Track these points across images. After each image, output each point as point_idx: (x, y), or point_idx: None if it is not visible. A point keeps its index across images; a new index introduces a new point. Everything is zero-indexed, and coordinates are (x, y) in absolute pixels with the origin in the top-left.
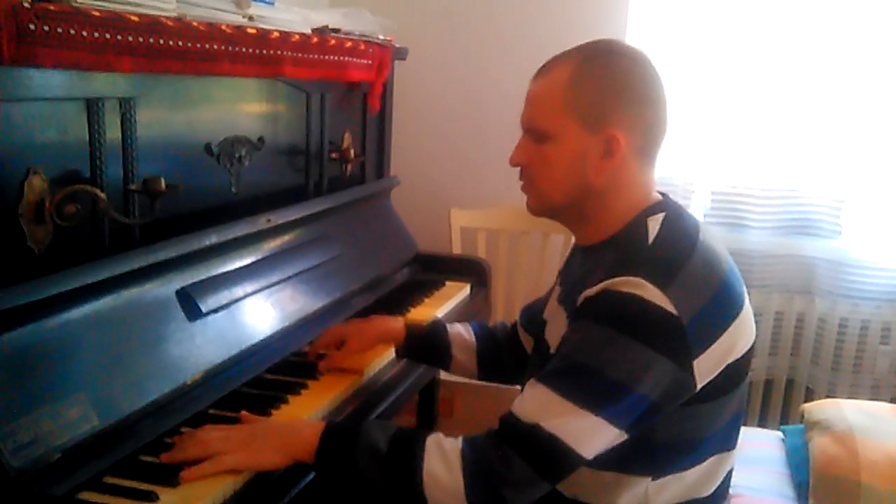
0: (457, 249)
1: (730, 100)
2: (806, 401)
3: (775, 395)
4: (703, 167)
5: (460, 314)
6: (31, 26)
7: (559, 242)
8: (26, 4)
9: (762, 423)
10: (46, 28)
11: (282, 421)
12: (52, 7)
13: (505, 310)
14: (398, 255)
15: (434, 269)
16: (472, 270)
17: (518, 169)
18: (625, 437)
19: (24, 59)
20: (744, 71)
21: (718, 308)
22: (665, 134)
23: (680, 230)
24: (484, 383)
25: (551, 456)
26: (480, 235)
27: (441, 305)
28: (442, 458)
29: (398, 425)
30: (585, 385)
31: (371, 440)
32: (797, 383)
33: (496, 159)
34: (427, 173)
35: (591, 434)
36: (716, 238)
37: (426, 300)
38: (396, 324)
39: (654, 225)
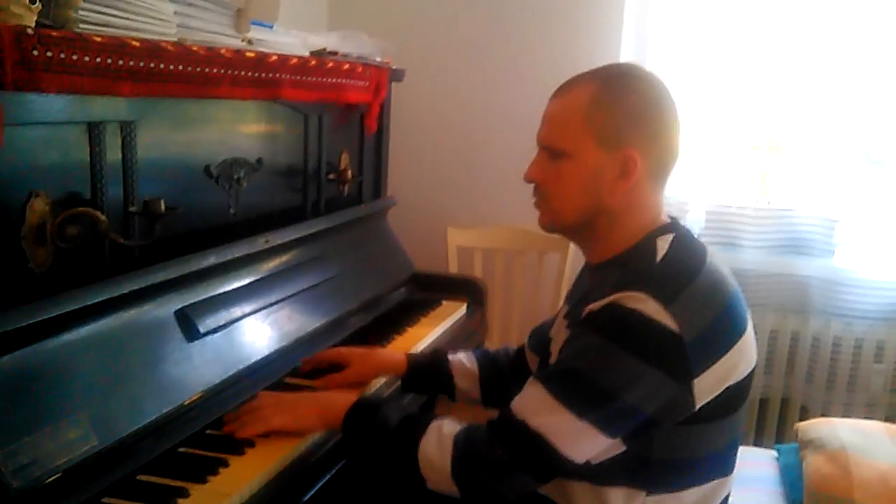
0: (453, 268)
1: (724, 119)
2: (801, 419)
3: (770, 413)
4: (697, 186)
5: (457, 333)
6: (35, 52)
7: (555, 261)
8: (30, 31)
9: (757, 442)
10: (49, 54)
11: (323, 392)
12: (54, 33)
13: (501, 328)
14: (395, 275)
15: (430, 289)
16: (468, 289)
17: (525, 186)
18: (622, 447)
19: (28, 85)
20: (737, 91)
21: (721, 329)
22: (677, 157)
23: (688, 251)
24: None
25: (534, 452)
26: (477, 254)
27: (438, 325)
28: (438, 440)
29: (416, 409)
30: (575, 389)
31: (385, 417)
32: (792, 402)
33: (492, 179)
34: (423, 193)
35: (575, 436)
36: (722, 262)
37: (423, 319)
38: (398, 356)
39: (663, 245)
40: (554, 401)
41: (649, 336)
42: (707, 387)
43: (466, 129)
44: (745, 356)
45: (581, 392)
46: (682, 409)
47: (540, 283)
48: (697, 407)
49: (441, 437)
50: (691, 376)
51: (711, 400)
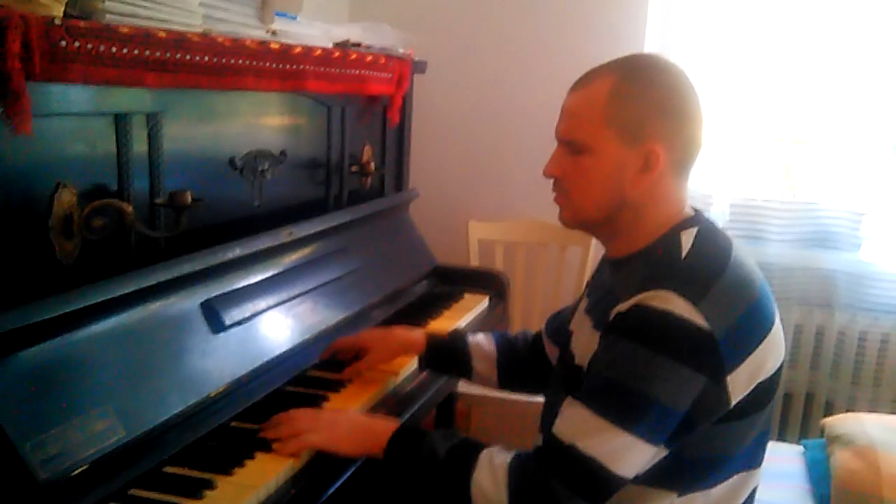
0: (474, 261)
1: (749, 111)
2: (825, 415)
3: (794, 408)
4: (722, 179)
5: (479, 326)
6: (63, 43)
7: (576, 255)
8: (57, 21)
9: (781, 437)
10: (77, 44)
11: (363, 415)
12: (82, 24)
13: (522, 322)
14: (417, 268)
15: (452, 282)
16: (490, 283)
17: (547, 179)
18: (664, 452)
19: (55, 75)
20: (763, 83)
21: (751, 324)
22: (700, 149)
23: (713, 245)
24: (501, 396)
25: (588, 476)
26: (498, 248)
27: (460, 318)
28: (491, 472)
29: (462, 436)
30: (617, 402)
31: (432, 446)
32: (816, 397)
33: (514, 172)
34: (445, 186)
35: (626, 453)
36: (748, 255)
37: (445, 312)
38: (417, 335)
39: (688, 239)
40: (597, 419)
41: (681, 336)
42: (740, 383)
43: (488, 122)
44: (773, 351)
45: (621, 404)
46: (718, 407)
47: (561, 276)
48: (732, 404)
49: (494, 467)
50: (725, 373)
51: (744, 396)
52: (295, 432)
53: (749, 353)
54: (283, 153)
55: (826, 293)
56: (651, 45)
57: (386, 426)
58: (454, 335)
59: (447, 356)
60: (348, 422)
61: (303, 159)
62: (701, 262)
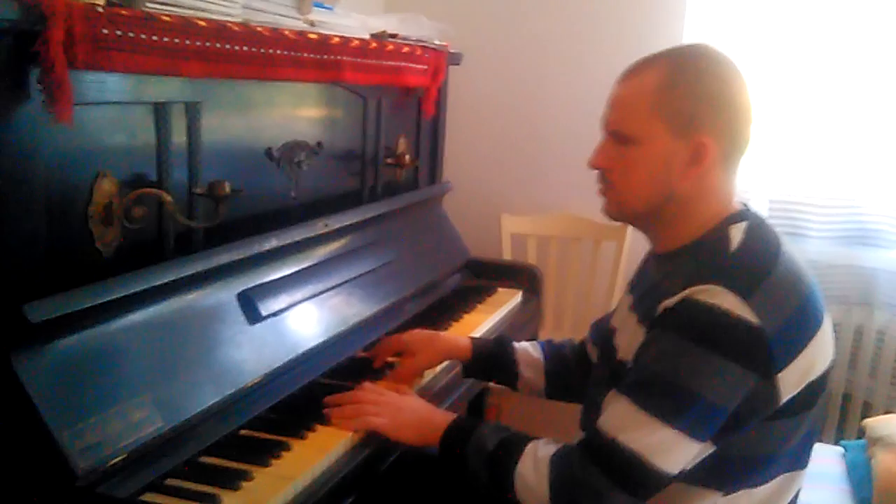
0: (506, 255)
1: (789, 107)
2: (863, 415)
3: (832, 409)
4: (761, 174)
5: (513, 320)
6: (105, 31)
7: (611, 250)
8: (100, 9)
9: (818, 438)
10: (119, 33)
11: (424, 404)
12: (124, 12)
13: (554, 317)
14: (450, 261)
15: (485, 275)
16: (523, 277)
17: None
18: (712, 448)
19: (97, 64)
20: (803, 78)
21: (802, 322)
22: (749, 142)
23: (763, 240)
24: None
25: (630, 471)
26: (531, 242)
27: (494, 312)
28: (534, 464)
29: (513, 430)
30: (660, 396)
31: (482, 438)
32: (854, 397)
33: (547, 165)
34: (478, 178)
35: (668, 448)
36: (795, 251)
37: (479, 306)
38: (463, 341)
39: (737, 233)
40: (640, 412)
41: (729, 331)
42: (791, 382)
43: (522, 115)
44: (823, 349)
45: (665, 398)
46: (768, 405)
47: (595, 271)
48: (783, 402)
49: (537, 460)
50: (775, 370)
51: (794, 395)
52: (359, 412)
53: (799, 352)
54: (319, 144)
55: (866, 291)
56: (689, 36)
57: (445, 417)
58: (500, 341)
59: (493, 363)
60: (411, 408)
61: (338, 151)
62: (751, 257)
